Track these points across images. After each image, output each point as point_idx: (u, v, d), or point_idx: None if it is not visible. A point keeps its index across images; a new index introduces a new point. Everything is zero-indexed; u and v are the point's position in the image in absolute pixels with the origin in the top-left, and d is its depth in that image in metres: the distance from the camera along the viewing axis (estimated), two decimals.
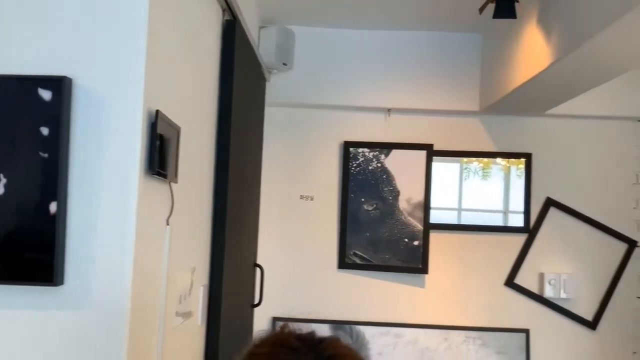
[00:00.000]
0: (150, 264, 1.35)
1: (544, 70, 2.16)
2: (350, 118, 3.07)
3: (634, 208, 3.01)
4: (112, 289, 1.22)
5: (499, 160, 3.09)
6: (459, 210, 3.16)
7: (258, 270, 2.73)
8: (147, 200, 1.29)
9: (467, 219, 3.13)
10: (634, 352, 2.96)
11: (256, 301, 2.70)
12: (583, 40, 1.84)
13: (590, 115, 2.97)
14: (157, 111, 1.28)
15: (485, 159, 3.09)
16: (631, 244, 2.99)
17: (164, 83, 1.39)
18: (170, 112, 1.38)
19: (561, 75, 2.21)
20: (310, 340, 0.74)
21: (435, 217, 3.04)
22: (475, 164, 3.11)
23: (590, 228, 3.01)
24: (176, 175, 1.45)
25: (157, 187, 1.37)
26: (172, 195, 1.45)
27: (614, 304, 2.97)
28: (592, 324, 2.97)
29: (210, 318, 1.90)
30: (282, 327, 0.76)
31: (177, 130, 1.44)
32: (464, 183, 3.14)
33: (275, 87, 2.96)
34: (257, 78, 2.63)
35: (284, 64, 2.84)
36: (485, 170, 3.12)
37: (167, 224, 1.44)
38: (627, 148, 3.03)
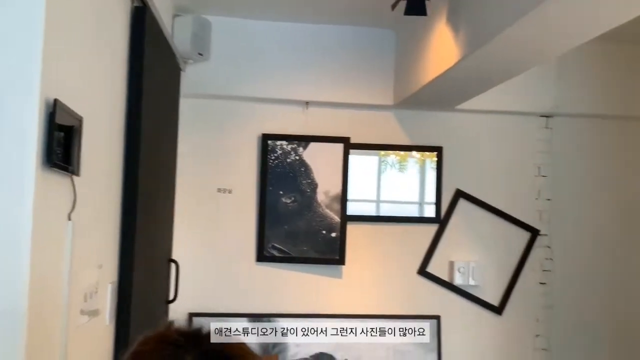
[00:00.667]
0: (50, 262, 1.29)
1: (452, 67, 2.24)
2: (268, 110, 3.06)
3: (536, 199, 3.20)
4: (7, 287, 1.15)
5: (414, 153, 3.18)
6: (377, 202, 3.23)
7: (173, 265, 2.67)
8: (46, 195, 1.23)
9: (386, 211, 3.22)
10: (537, 335, 3.15)
11: (171, 297, 2.65)
12: (489, 37, 1.93)
13: (497, 110, 3.12)
14: (56, 100, 1.22)
15: (402, 152, 3.17)
16: (534, 232, 3.18)
17: (64, 71, 1.32)
18: (72, 102, 1.32)
19: (469, 71, 2.30)
20: (194, 335, 0.74)
21: (354, 209, 3.09)
22: (393, 157, 3.19)
23: (497, 218, 3.16)
24: (79, 168, 1.39)
25: (58, 180, 1.30)
26: (74, 189, 1.39)
27: (518, 289, 3.15)
28: (498, 309, 3.13)
29: (119, 316, 1.84)
30: (168, 325, 0.76)
31: (79, 120, 1.38)
32: (382, 176, 3.21)
33: (192, 78, 2.90)
34: (170, 67, 2.56)
35: (200, 54, 2.78)
36: (401, 163, 3.21)
37: (69, 219, 1.38)
38: (531, 142, 3.21)
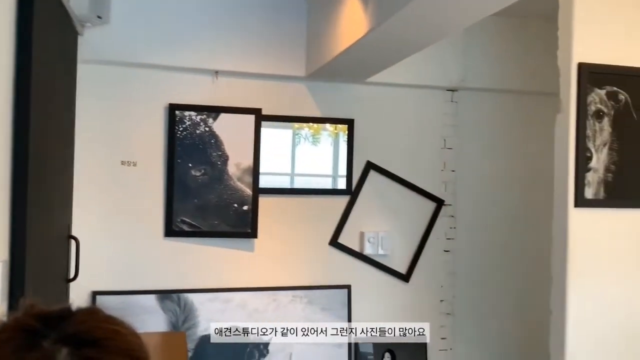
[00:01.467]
0: None
1: (361, 38, 2.24)
2: (175, 79, 2.94)
3: (442, 170, 3.31)
4: None
5: (327, 126, 3.18)
6: (292, 175, 3.22)
7: (73, 242, 2.53)
8: None
9: (299, 184, 3.21)
10: (441, 300, 3.29)
11: (71, 275, 2.51)
12: (393, 11, 1.94)
13: (406, 84, 3.18)
14: None
15: (315, 125, 3.16)
16: (439, 202, 3.30)
17: None
18: None
19: (377, 43, 2.31)
20: (53, 318, 0.67)
21: (266, 182, 3.06)
22: (307, 129, 3.18)
23: (405, 189, 3.25)
24: None
25: None
26: None
27: (424, 257, 3.27)
28: (406, 277, 3.24)
29: (11, 297, 1.72)
30: (27, 307, 0.69)
31: None
32: (295, 148, 3.20)
33: (90, 43, 2.72)
34: (66, 32, 2.38)
35: (99, 17, 2.61)
36: (315, 136, 3.20)
37: None
38: (438, 115, 3.30)
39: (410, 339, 3.06)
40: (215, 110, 2.97)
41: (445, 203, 3.31)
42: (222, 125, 2.98)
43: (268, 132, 3.05)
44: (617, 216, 2.40)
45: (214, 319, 2.93)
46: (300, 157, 3.21)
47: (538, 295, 2.77)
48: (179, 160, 2.93)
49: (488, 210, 3.36)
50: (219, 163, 2.98)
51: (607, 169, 2.37)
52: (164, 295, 2.89)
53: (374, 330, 3.12)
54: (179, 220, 2.94)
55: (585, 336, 2.36)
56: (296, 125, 3.15)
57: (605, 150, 2.36)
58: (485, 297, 3.34)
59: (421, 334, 3.04)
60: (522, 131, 3.38)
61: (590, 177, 2.35)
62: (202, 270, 2.97)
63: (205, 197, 2.97)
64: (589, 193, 2.35)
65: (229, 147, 2.99)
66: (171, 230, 2.93)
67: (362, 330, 3.12)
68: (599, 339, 2.37)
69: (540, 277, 2.70)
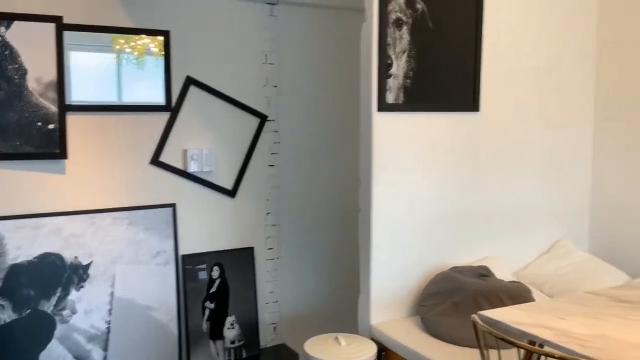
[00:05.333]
0: None
1: None
2: None
3: (264, 85, 3.33)
4: None
5: (141, 37, 2.99)
6: (105, 90, 3.01)
7: None
8: None
9: (113, 99, 3.01)
10: (267, 213, 3.39)
11: None
12: None
13: None
14: None
15: (127, 36, 2.96)
16: (263, 118, 3.33)
17: None
18: None
19: None
20: None
21: (77, 98, 2.84)
22: (120, 41, 2.96)
23: (228, 105, 3.22)
24: None
25: None
26: None
27: (249, 173, 3.31)
28: (232, 192, 3.27)
29: None
30: None
31: None
32: (108, 61, 2.98)
33: None
34: None
35: None
36: (128, 48, 3.01)
37: None
38: (258, 29, 3.27)
39: (237, 252, 3.13)
40: (7, 18, 2.65)
41: (268, 118, 3.35)
42: (18, 35, 2.68)
43: (73, 42, 2.80)
44: (415, 119, 2.62)
45: (23, 246, 2.74)
46: (111, 70, 3.00)
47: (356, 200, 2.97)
48: None
49: (309, 125, 3.47)
50: (16, 77, 2.70)
51: (406, 76, 2.54)
52: None
53: (201, 246, 3.15)
54: None
55: (389, 227, 2.59)
56: (106, 35, 2.92)
57: (404, 58, 2.53)
58: (308, 207, 3.51)
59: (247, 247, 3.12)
60: (338, 46, 3.49)
61: (391, 82, 2.51)
62: (6, 196, 2.73)
63: (3, 115, 2.68)
64: (390, 98, 2.51)
65: (27, 60, 2.71)
66: None
67: (189, 247, 3.13)
68: (399, 228, 2.62)
69: (356, 182, 2.89)
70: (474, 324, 1.66)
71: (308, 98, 3.46)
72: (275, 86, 3.36)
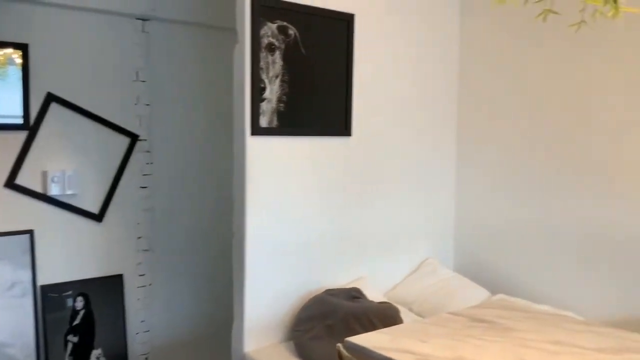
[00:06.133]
0: None
1: None
2: None
3: (136, 104, 3.18)
4: None
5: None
6: None
7: None
8: None
9: None
10: (139, 237, 3.23)
11: None
12: None
13: (88, 7, 2.93)
14: None
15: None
16: (133, 137, 3.18)
17: None
18: None
19: None
20: None
21: None
22: None
23: (95, 124, 3.04)
24: None
25: None
26: None
27: (119, 195, 3.14)
28: (99, 217, 3.08)
29: None
30: None
31: None
32: None
33: None
34: None
35: None
36: None
37: None
38: (129, 45, 3.13)
39: (104, 281, 2.95)
40: None
41: (140, 138, 3.20)
42: None
43: None
44: (290, 143, 2.62)
45: None
46: None
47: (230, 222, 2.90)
48: None
49: (184, 144, 3.37)
50: None
51: (279, 100, 2.54)
52: None
53: (64, 275, 2.93)
54: None
55: (263, 251, 2.56)
56: None
57: (277, 82, 2.53)
58: (183, 231, 3.39)
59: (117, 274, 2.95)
60: (214, 63, 3.43)
61: (264, 106, 2.49)
62: None
63: None
64: (263, 122, 2.50)
65: None
66: None
67: (50, 277, 2.89)
68: (273, 251, 2.60)
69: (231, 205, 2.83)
70: (339, 353, 1.67)
71: (183, 117, 3.36)
72: (148, 104, 3.23)
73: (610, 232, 2.71)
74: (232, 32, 2.47)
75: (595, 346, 1.76)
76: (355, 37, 2.81)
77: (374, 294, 2.78)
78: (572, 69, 2.84)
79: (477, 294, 2.92)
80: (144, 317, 3.26)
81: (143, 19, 3.16)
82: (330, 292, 2.60)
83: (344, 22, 2.73)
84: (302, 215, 2.70)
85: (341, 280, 2.86)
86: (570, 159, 2.86)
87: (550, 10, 1.66)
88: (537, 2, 1.65)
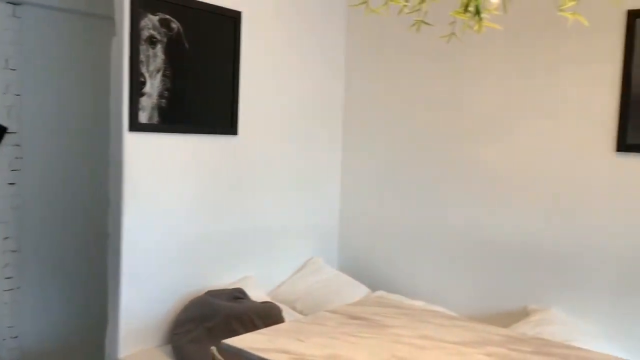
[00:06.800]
0: None
1: None
2: None
3: (4, 93, 2.94)
4: None
5: None
6: None
7: None
8: None
9: None
10: (5, 238, 2.99)
11: None
12: None
13: None
14: None
15: None
16: (1, 130, 2.93)
17: None
18: None
19: None
20: None
21: None
22: None
23: None
24: None
25: None
26: None
27: None
28: None
29: None
30: None
31: None
32: None
33: None
34: None
35: None
36: None
37: None
38: None
39: None
40: None
41: (8, 130, 2.96)
42: None
43: None
44: (171, 140, 2.54)
45: None
46: None
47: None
48: None
49: (55, 139, 3.15)
50: None
51: (160, 95, 2.46)
52: None
53: None
54: None
55: (141, 252, 2.47)
56: None
57: (158, 77, 2.44)
58: (56, 230, 3.18)
59: None
60: (92, 53, 3.24)
61: (144, 102, 2.40)
62: None
63: None
64: (143, 117, 2.41)
65: None
66: None
67: None
68: (152, 252, 2.51)
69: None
70: (212, 357, 1.64)
71: (56, 109, 3.14)
72: (18, 95, 2.99)
73: (476, 233, 2.90)
74: (111, 21, 2.35)
75: (459, 340, 1.87)
76: (243, 35, 2.79)
77: (258, 293, 2.77)
78: (447, 75, 3.00)
79: (358, 291, 3.01)
80: (12, 322, 3.03)
81: (14, 3, 2.92)
82: (211, 293, 2.55)
83: (230, 19, 2.69)
84: (185, 215, 2.64)
85: (226, 280, 2.83)
86: (444, 163, 3.02)
87: (422, 21, 1.74)
88: (410, 13, 1.72)
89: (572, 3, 1.52)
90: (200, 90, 2.62)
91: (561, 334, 2.36)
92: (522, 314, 2.72)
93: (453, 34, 1.85)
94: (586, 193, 2.59)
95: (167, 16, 2.43)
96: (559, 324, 2.48)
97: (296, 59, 3.13)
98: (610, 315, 2.52)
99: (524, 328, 2.46)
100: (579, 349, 1.87)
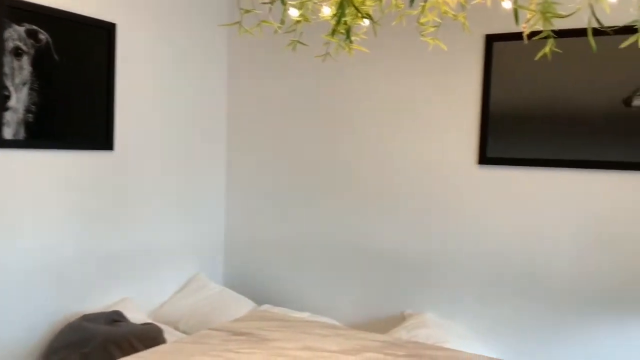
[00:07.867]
0: None
1: None
2: None
3: None
4: None
5: None
6: None
7: None
8: None
9: None
10: None
11: None
12: None
13: None
14: None
15: None
16: None
17: None
18: None
19: None
20: None
21: None
22: None
23: None
24: None
25: None
26: None
27: None
28: None
29: None
30: None
31: None
32: None
33: None
34: None
35: None
36: None
37: None
38: None
39: None
40: None
41: None
42: None
43: None
44: (39, 157, 2.40)
45: None
46: None
47: None
48: None
49: None
50: None
51: (27, 110, 2.32)
52: None
53: None
54: None
55: (9, 276, 2.29)
56: None
57: (25, 90, 2.30)
58: None
59: None
60: None
61: (9, 116, 2.25)
62: None
63: None
64: (7, 133, 2.25)
65: None
66: None
67: None
68: (21, 275, 2.34)
69: None
70: None
71: None
72: None
73: (353, 243, 3.01)
74: None
75: (339, 348, 1.94)
76: (119, 47, 2.70)
77: (138, 315, 2.68)
78: (327, 90, 3.11)
79: (244, 306, 3.00)
80: None
81: None
82: (87, 318, 2.43)
83: (104, 31, 2.60)
84: (56, 235, 2.49)
85: (103, 303, 2.70)
86: (320, 177, 3.12)
87: (298, 41, 1.80)
88: (287, 32, 1.77)
89: (432, 29, 1.66)
90: (72, 105, 2.50)
91: (435, 337, 2.52)
92: (400, 319, 2.87)
93: (328, 53, 1.93)
94: (453, 202, 2.79)
95: (35, 27, 2.30)
96: (432, 327, 2.64)
97: (177, 73, 3.08)
98: (478, 316, 2.73)
99: (401, 333, 2.60)
100: (448, 349, 2.01)
